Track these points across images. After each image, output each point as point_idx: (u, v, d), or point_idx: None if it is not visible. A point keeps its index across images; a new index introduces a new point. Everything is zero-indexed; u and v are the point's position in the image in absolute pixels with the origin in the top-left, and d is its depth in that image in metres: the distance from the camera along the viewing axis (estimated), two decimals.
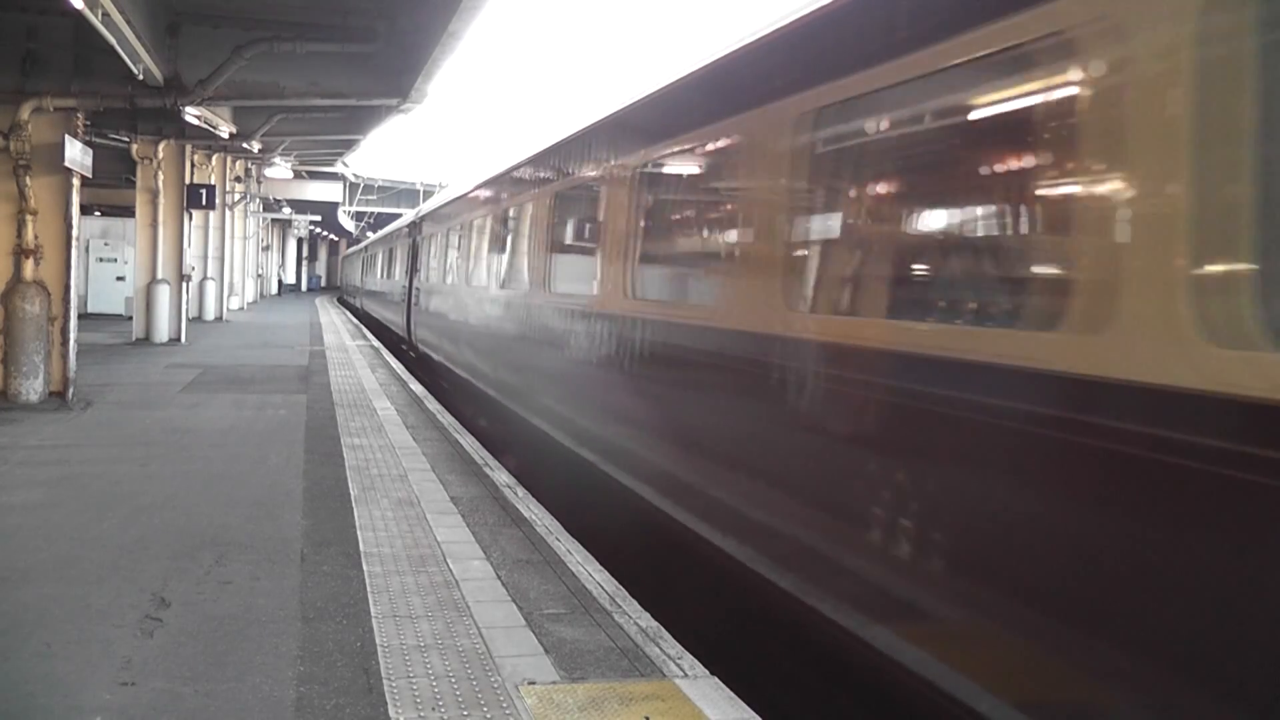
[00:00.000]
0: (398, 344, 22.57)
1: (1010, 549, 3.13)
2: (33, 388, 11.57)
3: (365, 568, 5.60)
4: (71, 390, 11.89)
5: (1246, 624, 2.42)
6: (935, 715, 3.43)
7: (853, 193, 4.29)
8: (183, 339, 20.74)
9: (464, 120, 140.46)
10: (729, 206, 5.32)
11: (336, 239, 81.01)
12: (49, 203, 11.76)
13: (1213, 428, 2.51)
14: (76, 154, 11.79)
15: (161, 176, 20.61)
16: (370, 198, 58.04)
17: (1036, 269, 3.33)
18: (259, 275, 46.05)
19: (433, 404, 12.88)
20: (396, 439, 9.98)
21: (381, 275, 29.18)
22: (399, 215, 38.73)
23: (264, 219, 45.33)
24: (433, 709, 3.80)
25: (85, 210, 18.75)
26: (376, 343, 23.39)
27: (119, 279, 28.53)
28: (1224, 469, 2.46)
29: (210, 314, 28.21)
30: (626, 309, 6.42)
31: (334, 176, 41.67)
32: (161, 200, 20.70)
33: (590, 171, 7.51)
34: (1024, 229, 3.44)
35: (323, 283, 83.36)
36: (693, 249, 5.98)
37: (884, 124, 4.02)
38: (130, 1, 10.26)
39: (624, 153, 6.73)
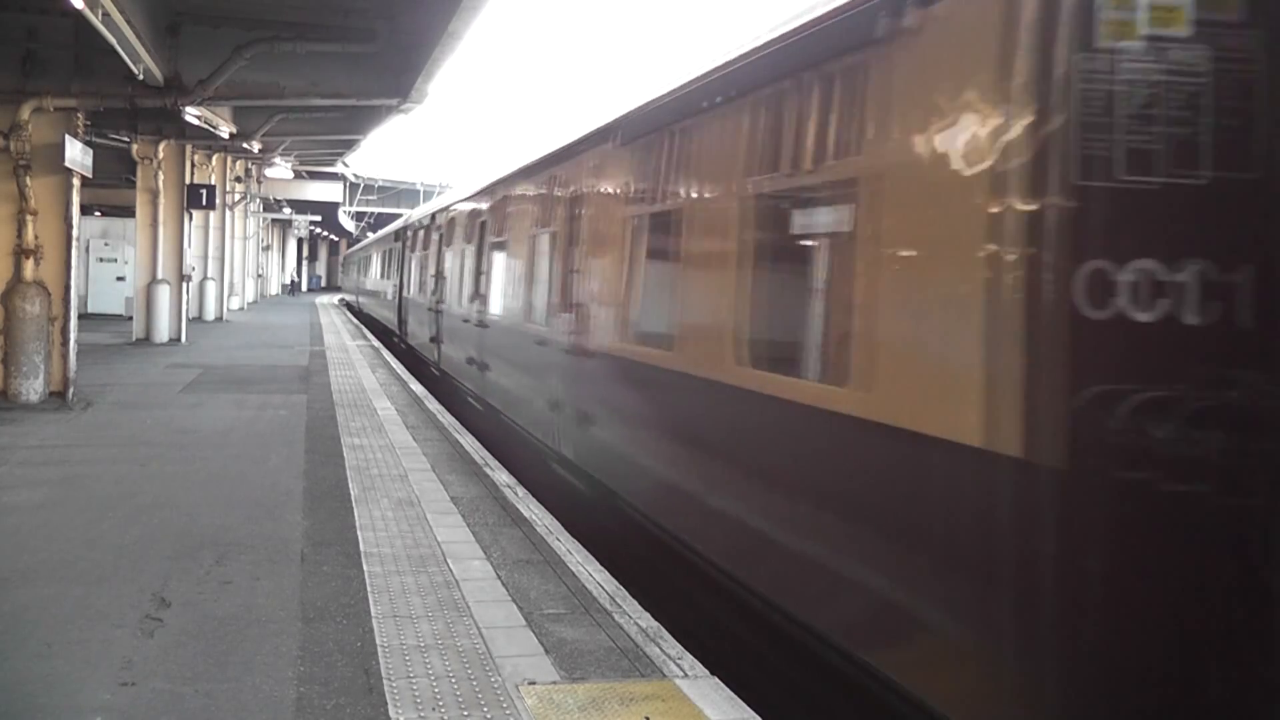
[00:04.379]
0: None
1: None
2: (33, 388, 11.57)
3: (365, 568, 5.60)
4: (72, 390, 11.89)
5: None
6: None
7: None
8: (183, 339, 20.75)
9: (464, 120, 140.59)
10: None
11: (336, 239, 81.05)
12: (49, 203, 11.76)
13: None
14: (77, 154, 11.79)
15: (162, 176, 20.61)
16: (370, 198, 58.03)
17: None
18: (259, 275, 45.99)
19: (433, 404, 12.88)
20: (397, 439, 9.98)
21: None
22: (399, 215, 38.00)
23: (264, 219, 45.34)
24: (433, 709, 3.80)
25: (85, 210, 18.74)
26: (376, 343, 23.41)
27: (119, 279, 28.52)
28: None
29: (210, 314, 28.21)
30: None
31: (334, 177, 41.66)
32: (162, 200, 20.71)
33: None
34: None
35: (323, 283, 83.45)
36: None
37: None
38: (130, 1, 10.26)
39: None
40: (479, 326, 11.82)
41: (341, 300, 52.29)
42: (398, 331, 22.73)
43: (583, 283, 7.36)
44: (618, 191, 6.82)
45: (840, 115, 4.03)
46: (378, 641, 4.49)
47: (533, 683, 4.08)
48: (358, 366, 17.46)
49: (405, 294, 21.13)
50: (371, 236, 41.78)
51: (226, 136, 19.67)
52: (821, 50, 4.18)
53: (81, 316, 13.38)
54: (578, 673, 4.21)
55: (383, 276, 28.37)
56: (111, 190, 28.48)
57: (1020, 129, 3.03)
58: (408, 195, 56.43)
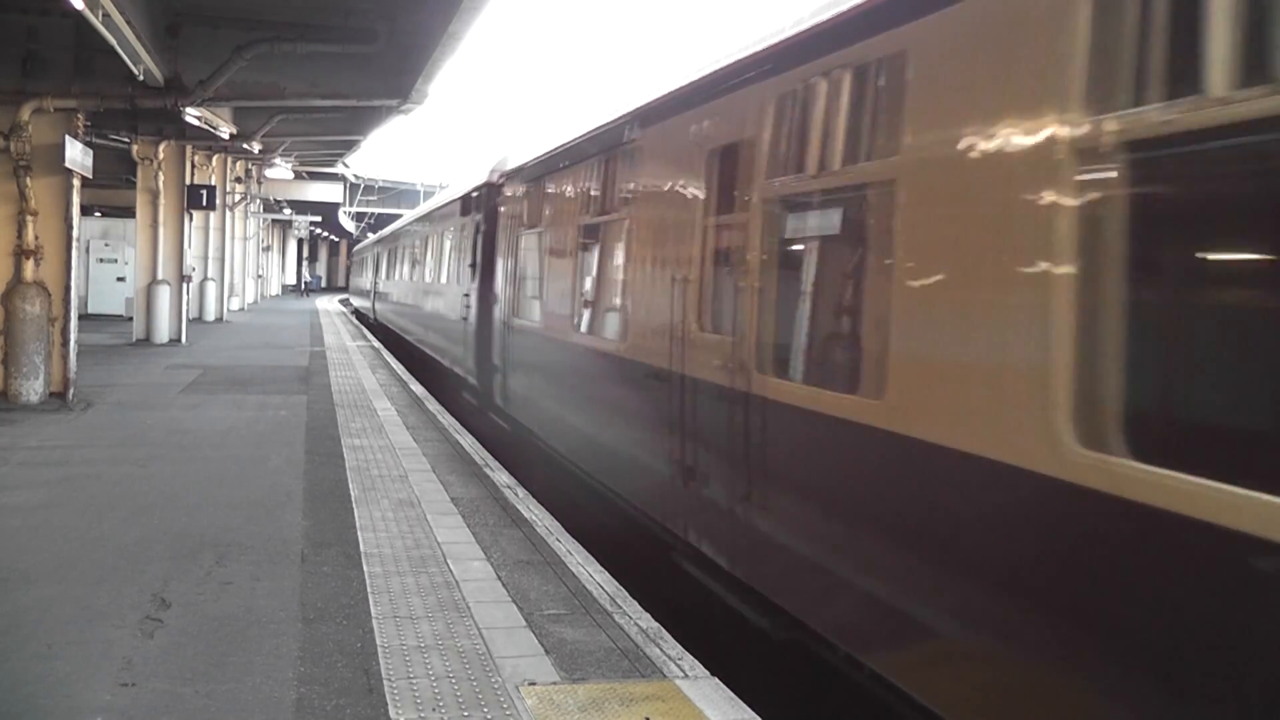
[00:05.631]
0: None
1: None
2: (33, 388, 11.57)
3: (365, 568, 5.60)
4: (72, 391, 11.89)
5: None
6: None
7: None
8: (183, 340, 20.75)
9: (464, 120, 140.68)
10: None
11: (337, 239, 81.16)
12: (49, 203, 11.76)
13: None
14: (77, 154, 11.79)
15: (162, 177, 20.62)
16: (371, 198, 58.07)
17: None
18: (259, 276, 45.91)
19: (433, 404, 12.88)
20: (397, 440, 9.98)
21: None
22: (399, 215, 37.15)
23: (264, 220, 45.36)
24: (433, 709, 3.80)
25: (85, 211, 18.76)
26: (377, 343, 23.39)
27: (119, 279, 28.51)
28: None
29: (210, 315, 28.20)
30: None
31: (334, 177, 41.66)
32: (162, 201, 20.71)
33: None
34: None
35: (323, 283, 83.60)
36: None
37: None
38: (130, 2, 10.26)
39: None
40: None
41: (346, 303, 47.81)
42: (477, 382, 12.04)
43: None
44: None
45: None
46: (378, 642, 4.49)
47: (533, 683, 4.08)
48: (358, 367, 17.46)
49: (504, 314, 10.63)
50: (403, 216, 29.34)
51: (227, 137, 19.67)
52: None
53: (81, 317, 13.39)
54: (578, 673, 4.21)
55: (433, 277, 16.93)
56: (111, 191, 28.49)
57: None
58: (408, 195, 56.45)
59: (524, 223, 10.10)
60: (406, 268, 22.29)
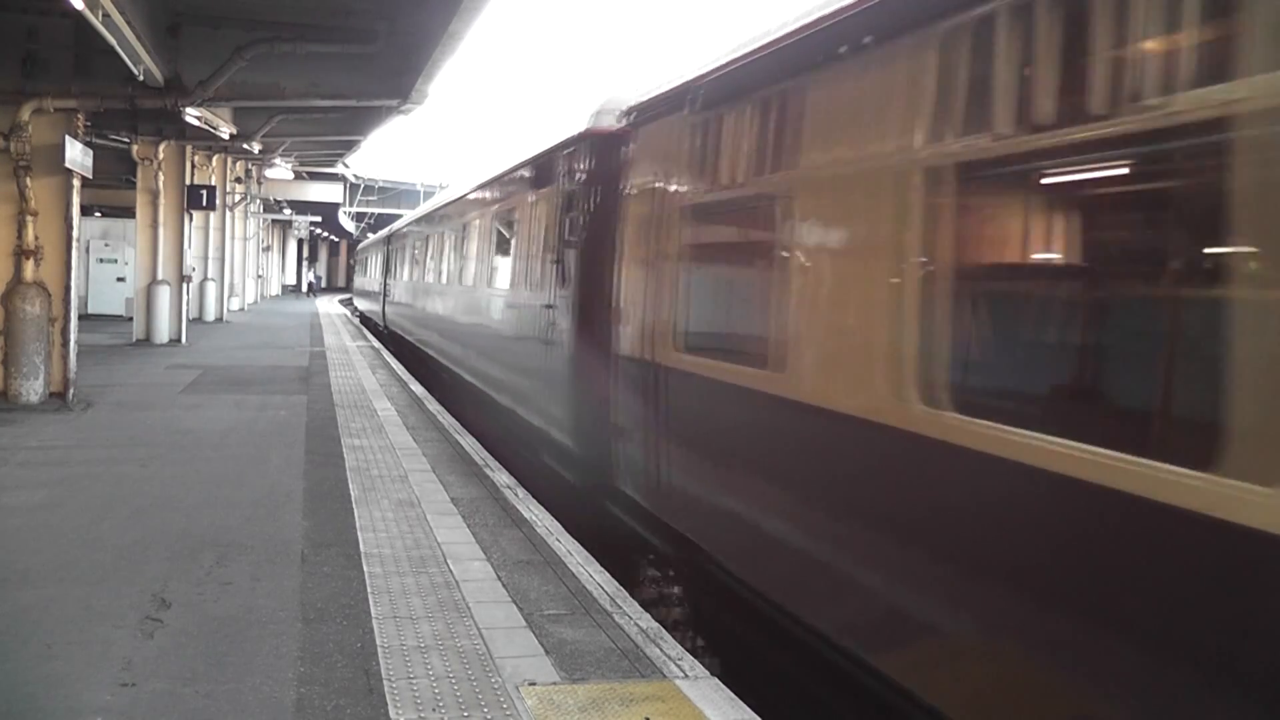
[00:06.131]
0: None
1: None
2: (33, 388, 11.57)
3: (365, 568, 5.60)
4: (72, 391, 11.89)
5: None
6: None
7: None
8: (183, 340, 20.74)
9: (464, 120, 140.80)
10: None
11: (337, 240, 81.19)
12: (49, 203, 11.76)
13: None
14: (77, 155, 11.79)
15: (162, 177, 20.61)
16: (371, 198, 58.11)
17: None
18: (259, 276, 45.83)
19: (433, 404, 12.89)
20: (397, 440, 9.98)
21: None
22: (399, 216, 36.88)
23: (264, 220, 45.34)
24: (433, 710, 3.80)
25: (85, 211, 18.73)
26: (377, 343, 23.37)
27: (119, 280, 28.49)
28: None
29: (210, 315, 28.20)
30: None
31: (334, 177, 41.67)
32: (162, 201, 20.71)
33: None
34: None
35: (323, 284, 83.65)
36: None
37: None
38: (130, 2, 10.26)
39: None
40: None
41: (348, 303, 46.84)
42: (574, 445, 7.68)
43: None
44: None
45: None
46: (378, 642, 4.49)
47: (533, 683, 4.08)
48: (358, 367, 17.46)
49: (647, 345, 6.10)
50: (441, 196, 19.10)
51: (227, 137, 19.67)
52: None
53: (82, 317, 13.37)
54: (578, 673, 4.21)
55: (479, 280, 12.26)
56: (111, 191, 28.49)
57: None
58: (408, 195, 56.47)
59: (698, 186, 5.67)
60: (434, 266, 16.92)
